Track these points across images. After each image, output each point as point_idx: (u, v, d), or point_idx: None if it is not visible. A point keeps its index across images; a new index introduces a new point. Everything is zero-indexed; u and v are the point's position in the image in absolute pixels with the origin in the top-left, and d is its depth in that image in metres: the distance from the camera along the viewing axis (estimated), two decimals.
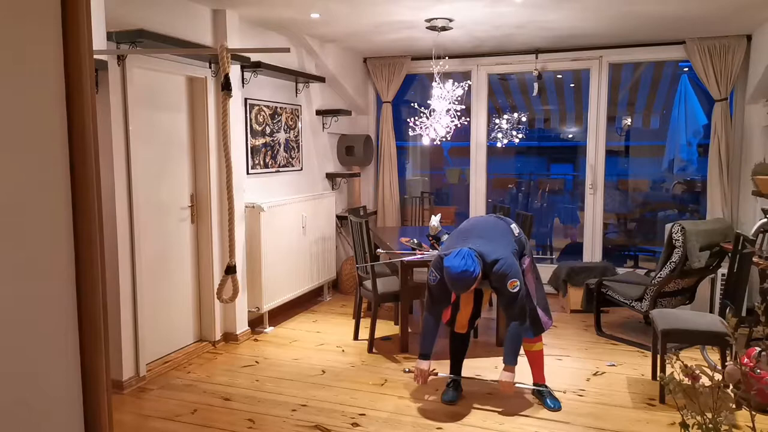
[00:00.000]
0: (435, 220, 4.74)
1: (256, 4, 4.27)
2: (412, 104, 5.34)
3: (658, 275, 4.38)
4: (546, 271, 5.42)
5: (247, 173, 4.88)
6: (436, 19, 4.67)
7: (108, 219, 3.59)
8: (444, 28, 4.85)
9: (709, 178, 5.45)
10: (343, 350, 4.51)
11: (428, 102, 5.01)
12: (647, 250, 7.46)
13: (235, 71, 4.57)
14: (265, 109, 5.09)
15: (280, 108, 5.32)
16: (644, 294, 4.46)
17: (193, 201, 4.45)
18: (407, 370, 3.90)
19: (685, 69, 6.42)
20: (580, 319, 5.27)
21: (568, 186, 9.00)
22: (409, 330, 4.54)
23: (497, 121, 6.77)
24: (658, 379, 3.76)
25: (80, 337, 1.07)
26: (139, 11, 3.72)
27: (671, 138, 6.85)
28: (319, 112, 5.97)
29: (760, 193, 4.55)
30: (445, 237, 4.44)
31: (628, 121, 8.15)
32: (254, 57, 4.62)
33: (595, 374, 4.01)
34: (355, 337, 4.72)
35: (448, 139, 5.05)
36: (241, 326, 4.71)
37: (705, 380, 1.80)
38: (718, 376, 1.81)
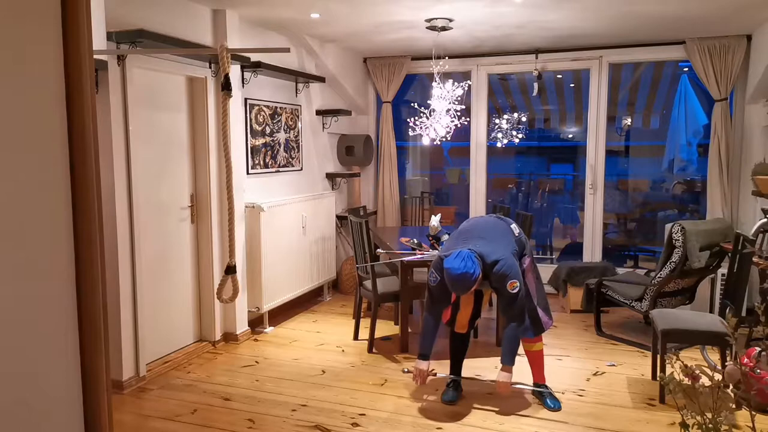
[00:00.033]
0: (435, 220, 4.74)
1: (256, 4, 4.27)
2: (412, 104, 5.34)
3: (658, 275, 4.38)
4: (546, 271, 5.42)
5: (247, 173, 4.88)
6: (436, 19, 4.67)
7: (108, 219, 3.59)
8: (444, 28, 4.85)
9: (709, 178, 5.45)
10: (343, 350, 4.51)
11: (428, 102, 5.01)
12: (647, 250, 7.46)
13: (235, 71, 4.57)
14: (265, 109, 5.09)
15: (280, 108, 5.32)
16: (644, 294, 4.46)
17: (193, 201, 4.45)
18: (406, 370, 3.90)
19: (685, 69, 6.42)
20: (580, 319, 5.27)
21: (568, 186, 9.00)
22: (409, 330, 4.54)
23: (497, 121, 6.77)
24: (658, 379, 3.76)
25: (80, 337, 1.07)
26: (139, 11, 3.72)
27: (671, 138, 6.85)
28: (319, 112, 5.97)
29: (760, 193, 4.55)
30: (445, 237, 4.44)
31: (628, 121, 8.15)
32: (254, 57, 4.62)
33: (595, 374, 4.01)
34: (355, 337, 4.72)
35: (448, 139, 5.05)
36: (241, 326, 4.71)
37: (705, 380, 1.80)
38: (718, 376, 1.81)
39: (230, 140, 3.56)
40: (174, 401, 3.61)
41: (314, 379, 3.94)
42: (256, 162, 5.01)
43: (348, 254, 6.36)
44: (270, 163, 5.20)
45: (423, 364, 3.43)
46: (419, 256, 4.34)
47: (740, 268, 4.04)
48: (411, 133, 5.14)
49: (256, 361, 4.27)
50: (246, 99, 4.82)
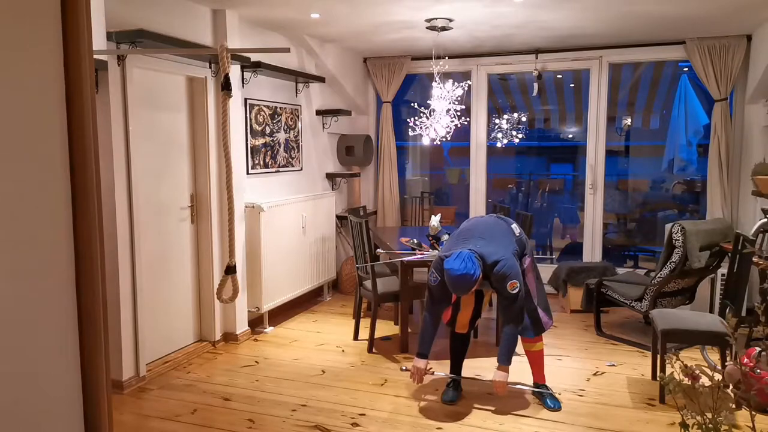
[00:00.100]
0: (435, 220, 4.74)
1: (256, 4, 4.27)
2: (412, 104, 5.34)
3: (658, 275, 4.38)
4: (546, 271, 5.42)
5: (247, 173, 4.88)
6: (436, 19, 4.67)
7: (108, 219, 3.59)
8: (444, 28, 4.85)
9: (709, 178, 5.45)
10: (343, 350, 4.51)
11: (428, 102, 5.01)
12: (647, 250, 7.46)
13: (235, 71, 4.57)
14: (265, 109, 5.09)
15: (280, 108, 5.32)
16: (644, 294, 4.46)
17: (193, 201, 4.45)
18: (404, 368, 3.91)
19: (685, 69, 6.42)
20: (580, 319, 5.27)
21: (568, 186, 9.00)
22: (409, 330, 4.54)
23: (497, 121, 6.77)
24: (658, 379, 3.76)
25: (80, 337, 1.07)
26: (139, 11, 3.72)
27: (671, 138, 6.85)
28: (319, 112, 5.97)
29: (760, 193, 4.55)
30: (445, 237, 4.44)
31: (628, 121, 8.15)
32: (254, 57, 4.62)
33: (595, 374, 4.01)
34: (355, 337, 4.72)
35: (448, 139, 5.05)
36: (241, 326, 4.71)
37: (705, 380, 1.80)
38: (718, 376, 1.81)
39: (230, 140, 3.56)
40: (174, 401, 3.61)
41: (314, 379, 3.94)
42: (256, 162, 5.02)
43: (348, 254, 6.36)
44: (270, 163, 5.20)
45: (421, 363, 3.43)
46: (419, 256, 4.34)
47: (740, 268, 4.04)
48: (411, 133, 5.14)
49: (256, 361, 4.27)
50: (246, 99, 4.82)
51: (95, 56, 2.79)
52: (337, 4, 4.25)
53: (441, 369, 3.77)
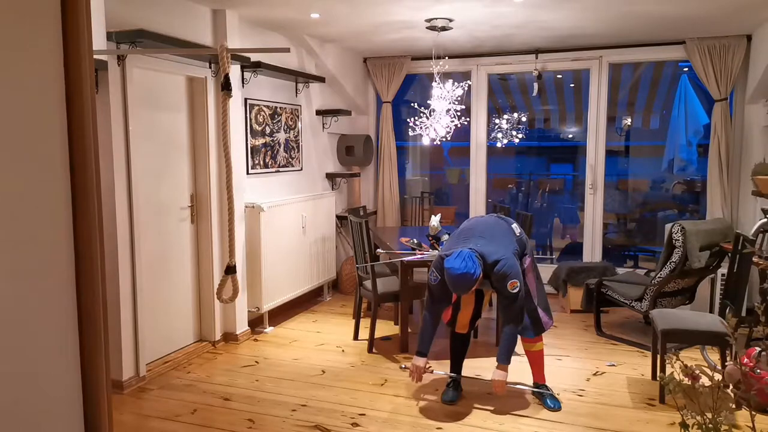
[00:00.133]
0: (435, 220, 4.74)
1: (256, 4, 4.27)
2: (412, 104, 5.34)
3: (658, 275, 4.38)
4: (546, 271, 5.42)
5: (247, 173, 4.88)
6: (436, 19, 4.67)
7: (108, 219, 3.59)
8: (444, 28, 4.85)
9: (709, 178, 5.45)
10: (343, 350, 4.51)
11: (428, 102, 5.01)
12: (647, 250, 7.46)
13: (235, 71, 4.57)
14: (265, 109, 5.09)
15: (280, 108, 5.32)
16: (644, 294, 4.46)
17: (193, 201, 4.45)
18: (404, 366, 3.91)
19: (685, 69, 6.42)
20: (580, 319, 5.27)
21: (568, 186, 9.00)
22: (409, 330, 4.54)
23: (497, 121, 6.77)
24: (658, 379, 3.76)
25: (80, 337, 1.07)
26: (139, 11, 3.72)
27: (671, 138, 6.85)
28: (319, 112, 5.97)
29: (760, 193, 4.55)
30: (445, 237, 4.44)
31: (628, 121, 8.15)
32: (254, 57, 4.62)
33: (595, 374, 4.01)
34: (355, 337, 4.72)
35: (448, 139, 5.05)
36: (241, 326, 4.71)
37: (705, 380, 1.80)
38: (718, 376, 1.81)
39: (230, 140, 3.56)
40: (174, 401, 3.61)
41: (314, 379, 3.94)
42: (256, 162, 5.02)
43: (348, 254, 6.36)
44: (270, 163, 5.20)
45: (420, 361, 3.43)
46: (419, 256, 4.34)
47: (740, 268, 4.04)
48: (411, 133, 5.14)
49: (256, 361, 4.27)
50: (246, 99, 4.82)
51: (95, 56, 2.79)
52: (337, 4, 4.25)
53: (441, 369, 3.77)
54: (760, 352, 3.31)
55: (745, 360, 3.32)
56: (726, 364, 3.31)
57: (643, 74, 7.71)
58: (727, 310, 4.06)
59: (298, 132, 5.63)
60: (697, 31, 5.15)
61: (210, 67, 4.35)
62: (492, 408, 3.49)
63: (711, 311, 4.89)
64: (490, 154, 6.55)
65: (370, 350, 4.45)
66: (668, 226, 4.44)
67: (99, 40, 3.20)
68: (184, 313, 4.41)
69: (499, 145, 6.65)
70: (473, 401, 3.58)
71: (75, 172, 1.04)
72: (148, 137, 3.95)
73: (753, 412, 1.85)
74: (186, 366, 4.17)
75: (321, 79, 5.71)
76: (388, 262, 5.05)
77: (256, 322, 4.95)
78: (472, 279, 3.14)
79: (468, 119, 5.59)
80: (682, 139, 6.60)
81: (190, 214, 4.44)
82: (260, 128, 5.04)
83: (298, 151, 5.64)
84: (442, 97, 4.93)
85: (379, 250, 4.60)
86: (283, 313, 5.31)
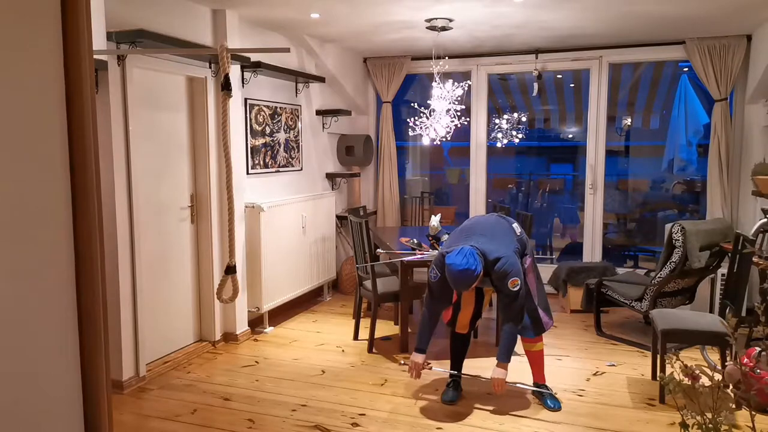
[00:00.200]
0: (435, 220, 4.74)
1: (256, 4, 4.27)
2: (412, 104, 5.34)
3: (658, 275, 4.38)
4: (546, 271, 5.42)
5: (247, 173, 4.88)
6: (436, 19, 4.67)
7: (108, 219, 3.59)
8: (444, 28, 4.85)
9: (709, 178, 5.45)
10: (343, 350, 4.51)
11: (428, 102, 5.01)
12: (647, 250, 7.46)
13: (235, 71, 4.57)
14: (265, 109, 5.09)
15: (280, 108, 5.32)
16: (644, 294, 4.46)
17: (193, 201, 4.45)
18: (402, 362, 3.91)
19: (685, 69, 6.42)
20: (580, 319, 5.27)
21: (568, 186, 9.00)
22: (409, 330, 4.54)
23: (497, 121, 6.77)
24: (658, 379, 3.76)
25: (80, 337, 1.07)
26: (139, 11, 3.72)
27: (671, 138, 6.85)
28: (319, 112, 5.97)
29: (760, 193, 4.55)
30: (445, 237, 4.44)
31: (628, 121, 8.15)
32: (254, 57, 4.62)
33: (595, 374, 4.01)
34: (355, 337, 4.72)
35: (448, 139, 5.05)
36: (241, 326, 4.71)
37: (705, 380, 1.80)
38: (718, 376, 1.81)
39: (230, 140, 3.57)
40: (174, 401, 3.61)
41: (314, 379, 3.94)
42: (256, 162, 5.02)
43: (348, 254, 6.36)
44: (270, 163, 5.20)
45: (419, 358, 3.43)
46: (419, 256, 4.34)
47: (740, 268, 4.04)
48: (411, 133, 5.14)
49: (256, 361, 4.27)
50: (246, 99, 4.82)
51: (95, 56, 2.79)
52: (337, 4, 4.25)
53: (441, 369, 3.76)
54: (760, 352, 3.32)
55: (745, 360, 3.32)
56: (726, 364, 3.31)
57: (643, 74, 7.71)
58: (727, 310, 4.06)
59: (298, 132, 5.63)
60: (697, 31, 5.16)
61: (210, 67, 4.35)
62: (492, 408, 3.49)
63: (711, 311, 4.89)
64: (490, 154, 6.55)
65: (370, 350, 4.45)
66: (668, 226, 4.44)
67: (99, 40, 3.20)
68: (184, 313, 4.41)
69: (499, 145, 6.65)
70: (473, 401, 3.58)
71: (75, 172, 1.04)
72: (148, 137, 3.95)
73: (753, 412, 1.86)
74: (186, 366, 4.17)
75: (321, 79, 5.71)
76: (388, 262, 5.05)
77: (256, 322, 4.95)
78: (473, 275, 3.14)
79: (468, 119, 5.60)
80: (682, 139, 6.60)
81: (190, 214, 4.44)
82: (260, 128, 5.04)
83: (298, 151, 5.64)
84: (442, 97, 4.93)
85: (379, 250, 4.60)
86: (283, 313, 5.31)
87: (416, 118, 5.03)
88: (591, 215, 6.11)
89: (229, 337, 4.65)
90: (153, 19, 3.79)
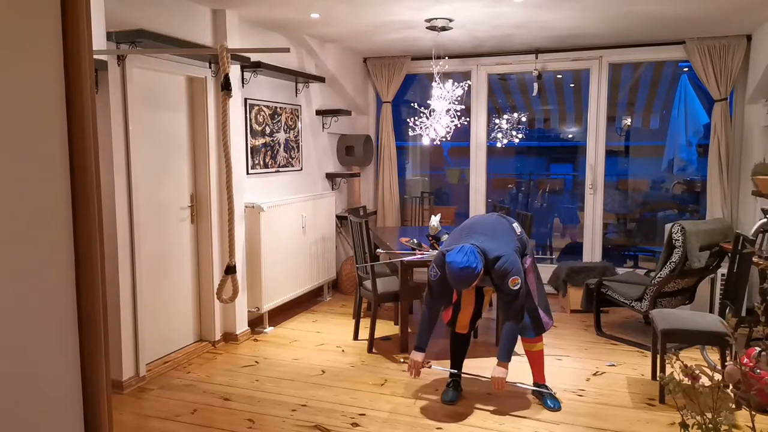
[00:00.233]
0: (435, 220, 4.74)
1: (256, 4, 4.27)
2: (412, 104, 5.34)
3: (658, 275, 4.38)
4: (546, 271, 5.42)
5: (247, 173, 4.88)
6: (436, 19, 4.67)
7: (108, 219, 3.59)
8: (444, 28, 4.85)
9: (709, 178, 5.45)
10: (343, 350, 4.51)
11: (428, 102, 5.01)
12: (647, 250, 7.46)
13: (235, 71, 4.57)
14: (264, 109, 5.09)
15: (280, 108, 5.32)
16: (644, 294, 4.46)
17: (193, 201, 4.45)
18: (402, 360, 3.91)
19: (685, 69, 6.42)
20: (580, 319, 5.27)
21: (568, 186, 9.00)
22: (409, 330, 4.54)
23: (497, 121, 6.77)
24: (657, 379, 3.76)
25: (80, 337, 1.07)
26: (139, 11, 3.72)
27: (671, 138, 6.85)
28: (318, 112, 5.97)
29: (760, 193, 4.55)
30: (444, 237, 4.44)
31: (628, 121, 8.15)
32: (254, 57, 4.62)
33: (594, 374, 4.01)
34: (355, 337, 4.72)
35: (448, 139, 5.05)
36: (241, 326, 4.71)
37: (705, 380, 1.80)
38: (718, 376, 1.81)
39: (230, 140, 3.56)
40: (174, 401, 3.61)
41: (314, 379, 3.94)
42: (256, 162, 5.02)
43: (348, 254, 6.36)
44: (270, 163, 5.20)
45: (418, 356, 3.43)
46: (419, 256, 4.34)
47: (740, 268, 4.04)
48: (411, 133, 5.14)
49: (256, 361, 4.27)
50: (246, 99, 4.82)
51: (95, 56, 2.79)
52: (337, 4, 4.25)
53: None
54: (760, 352, 3.32)
55: (745, 360, 3.32)
56: (726, 364, 3.31)
57: (643, 74, 7.71)
58: (727, 310, 4.06)
59: (298, 132, 5.63)
60: (697, 31, 5.16)
61: (210, 67, 4.35)
62: (492, 408, 3.49)
63: (711, 311, 4.89)
64: (490, 154, 6.55)
65: (370, 350, 4.45)
66: (668, 226, 4.44)
67: (99, 40, 3.20)
68: (184, 313, 4.41)
69: (499, 145, 6.64)
70: (473, 401, 3.58)
71: (75, 172, 1.04)
72: (148, 137, 3.95)
73: (753, 412, 1.86)
74: (186, 366, 4.17)
75: (321, 79, 5.71)
76: (388, 262, 5.05)
77: (256, 322, 4.95)
78: (473, 273, 3.14)
79: (468, 119, 5.60)
80: (682, 139, 6.60)
81: (190, 214, 4.44)
82: (260, 128, 5.04)
83: (298, 151, 5.64)
84: (442, 97, 4.93)
85: (379, 250, 4.60)
86: (283, 313, 5.31)
87: (416, 118, 5.03)
88: (591, 215, 6.11)
89: (229, 337, 4.65)
90: (153, 19, 3.79)
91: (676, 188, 7.76)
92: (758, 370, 3.15)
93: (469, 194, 6.56)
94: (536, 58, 6.00)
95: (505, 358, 3.34)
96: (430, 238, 4.66)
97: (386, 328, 4.95)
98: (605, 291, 4.81)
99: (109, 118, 3.56)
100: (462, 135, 6.04)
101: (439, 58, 5.08)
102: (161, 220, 4.15)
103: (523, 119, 7.11)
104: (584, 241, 6.18)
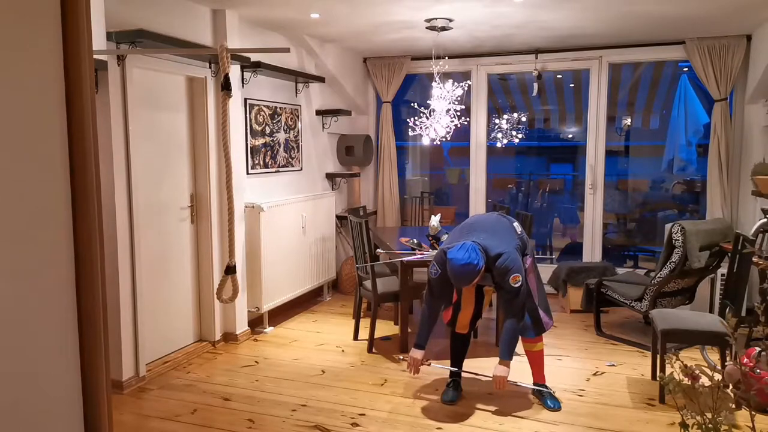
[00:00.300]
0: (435, 220, 4.74)
1: (256, 4, 4.27)
2: (412, 104, 5.34)
3: (658, 275, 4.38)
4: (546, 271, 5.42)
5: (247, 173, 4.88)
6: (436, 19, 4.67)
7: (108, 219, 3.59)
8: (444, 28, 4.85)
9: (709, 178, 5.45)
10: (342, 350, 4.51)
11: (428, 102, 5.01)
12: (647, 250, 7.46)
13: (234, 71, 4.57)
14: (264, 109, 5.09)
15: (280, 108, 5.32)
16: (644, 294, 4.46)
17: (193, 201, 4.45)
18: (401, 357, 3.91)
19: (685, 69, 6.42)
20: (580, 319, 5.27)
21: (567, 186, 9.01)
22: (409, 330, 4.54)
23: (497, 121, 6.77)
24: (657, 379, 3.76)
25: (80, 337, 1.07)
26: (139, 11, 3.72)
27: (671, 138, 6.85)
28: (318, 112, 5.97)
29: (760, 193, 4.55)
30: (444, 237, 4.44)
31: (628, 121, 8.15)
32: (254, 57, 4.62)
33: (594, 374, 4.01)
34: (355, 337, 4.72)
35: (448, 139, 5.05)
36: (241, 326, 4.71)
37: (705, 380, 1.80)
38: (718, 376, 1.81)
39: (230, 140, 3.56)
40: (174, 401, 3.61)
41: (314, 379, 3.94)
42: (256, 162, 5.01)
43: (348, 254, 6.36)
44: (270, 163, 5.20)
45: (418, 354, 3.43)
46: (419, 256, 4.34)
47: (740, 268, 4.04)
48: (411, 133, 5.14)
49: (256, 361, 4.27)
50: (246, 99, 4.82)
51: (95, 56, 2.79)
52: (337, 4, 4.25)
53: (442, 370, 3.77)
54: (760, 352, 3.32)
55: (745, 360, 3.32)
56: (726, 364, 3.31)
57: (643, 74, 7.71)
58: (727, 310, 4.06)
59: (298, 132, 5.63)
60: (697, 31, 5.16)
61: (210, 67, 4.35)
62: (492, 408, 3.49)
63: (711, 311, 4.89)
64: (490, 154, 6.55)
65: (369, 350, 4.45)
66: (668, 226, 4.44)
67: (99, 40, 3.20)
68: (183, 314, 4.41)
69: (499, 145, 6.64)
70: (473, 401, 3.58)
71: (75, 172, 1.04)
72: (148, 137, 3.95)
73: (753, 412, 1.86)
74: (186, 366, 4.17)
75: (321, 79, 5.71)
76: (388, 262, 5.05)
77: (256, 322, 4.95)
78: (474, 270, 3.13)
79: (468, 119, 5.60)
80: (681, 139, 6.60)
81: (190, 214, 4.44)
82: (260, 128, 5.04)
83: (298, 151, 5.64)
84: (442, 97, 4.93)
85: (379, 250, 4.60)
86: (283, 313, 5.31)
87: (416, 118, 5.03)
88: (591, 215, 6.11)
89: (229, 337, 4.65)
90: (153, 19, 3.79)
91: (676, 188, 7.76)
92: (758, 370, 3.15)
93: (469, 194, 6.56)
94: (536, 58, 6.00)
95: (506, 357, 3.34)
96: (430, 238, 4.66)
97: (386, 328, 4.95)
98: (605, 291, 4.81)
99: (109, 118, 3.56)
100: (462, 135, 6.04)
101: (439, 58, 5.08)
102: (161, 221, 4.15)
103: (523, 119, 7.10)
104: (584, 241, 6.18)
